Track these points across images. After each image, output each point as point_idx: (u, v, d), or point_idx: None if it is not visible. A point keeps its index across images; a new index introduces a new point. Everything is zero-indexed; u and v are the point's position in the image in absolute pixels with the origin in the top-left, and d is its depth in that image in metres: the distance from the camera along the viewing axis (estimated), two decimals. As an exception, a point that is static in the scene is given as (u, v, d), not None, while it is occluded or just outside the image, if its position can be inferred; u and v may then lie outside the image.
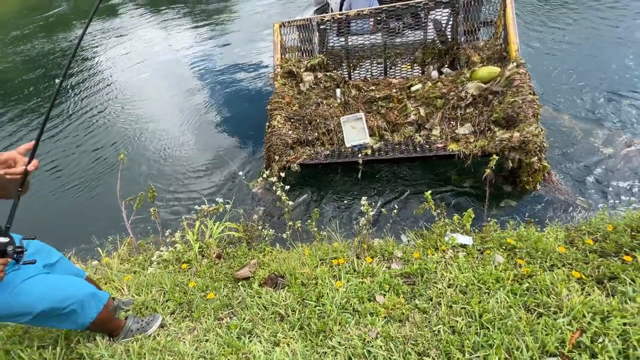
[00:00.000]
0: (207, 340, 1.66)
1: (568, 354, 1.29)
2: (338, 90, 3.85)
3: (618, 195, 2.90)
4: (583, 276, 1.70)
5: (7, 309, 1.22)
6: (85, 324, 1.41)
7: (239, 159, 4.11)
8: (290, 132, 3.40)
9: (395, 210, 2.77)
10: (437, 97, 3.47)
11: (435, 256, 2.03)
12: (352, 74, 4.20)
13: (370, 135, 3.44)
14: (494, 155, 2.35)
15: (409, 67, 4.08)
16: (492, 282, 1.74)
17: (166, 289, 2.07)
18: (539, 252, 1.94)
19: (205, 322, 1.80)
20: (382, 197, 3.26)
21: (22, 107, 6.46)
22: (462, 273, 1.85)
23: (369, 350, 1.48)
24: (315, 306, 1.76)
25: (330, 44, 4.15)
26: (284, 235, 2.63)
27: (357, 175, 3.29)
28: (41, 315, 1.27)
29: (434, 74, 3.82)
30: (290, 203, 2.64)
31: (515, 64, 3.19)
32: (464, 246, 2.15)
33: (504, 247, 2.08)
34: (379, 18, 3.89)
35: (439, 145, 3.17)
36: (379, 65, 4.13)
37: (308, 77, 3.79)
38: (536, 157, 2.77)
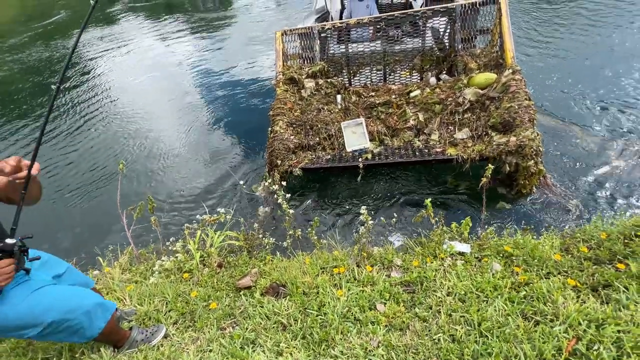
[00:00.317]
0: (210, 351, 1.68)
1: (564, 362, 1.33)
2: (339, 97, 3.93)
3: (610, 197, 2.98)
4: (578, 284, 1.74)
5: (18, 319, 1.24)
6: (94, 335, 1.42)
7: (239, 167, 4.15)
8: (292, 137, 3.47)
9: (394, 219, 2.81)
10: (436, 102, 3.55)
11: (434, 264, 2.07)
12: (352, 80, 4.29)
13: (371, 140, 3.51)
14: (490, 165, 2.40)
15: (408, 73, 4.17)
16: (490, 290, 1.78)
17: (168, 298, 2.09)
18: (536, 260, 1.98)
19: (208, 332, 1.81)
20: (381, 202, 3.31)
21: (19, 113, 6.46)
22: (461, 281, 1.89)
23: (370, 359, 1.50)
24: (317, 315, 1.79)
25: (331, 52, 4.25)
26: (285, 244, 2.66)
27: (357, 179, 3.34)
28: (51, 326, 1.29)
29: (432, 80, 3.91)
30: (291, 211, 2.67)
31: (511, 70, 3.28)
32: (462, 254, 2.19)
33: (501, 255, 2.12)
34: (378, 26, 3.98)
35: (438, 150, 3.24)
36: (378, 72, 4.22)
37: (309, 83, 3.87)
38: (532, 161, 2.84)
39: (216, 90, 6.23)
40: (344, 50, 4.16)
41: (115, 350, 1.67)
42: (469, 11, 3.66)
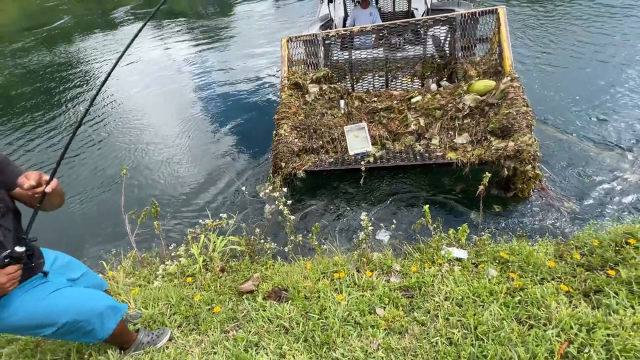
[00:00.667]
0: (215, 353, 1.72)
1: (557, 364, 1.38)
2: (342, 101, 4.04)
3: (604, 204, 3.06)
4: (571, 289, 1.80)
5: (34, 319, 1.30)
6: (105, 336, 1.47)
7: (241, 172, 4.21)
8: (296, 140, 3.57)
9: (393, 225, 2.87)
10: (436, 108, 3.65)
11: (432, 270, 2.13)
12: (355, 86, 4.40)
13: (373, 144, 3.60)
14: (487, 173, 2.47)
15: (409, 80, 4.29)
16: (486, 295, 1.84)
17: (172, 302, 2.13)
18: (530, 266, 2.04)
19: (212, 335, 1.86)
20: (381, 207, 3.37)
21: (19, 117, 6.52)
22: (458, 286, 1.94)
23: (371, 362, 1.55)
24: (318, 319, 1.84)
25: (335, 58, 4.36)
26: (286, 249, 2.71)
27: (360, 182, 3.43)
28: (65, 326, 1.35)
29: (433, 86, 4.02)
30: (292, 217, 2.73)
31: (509, 78, 3.39)
32: (459, 260, 2.25)
33: (497, 261, 2.18)
34: (381, 34, 4.09)
35: (438, 154, 3.34)
36: (380, 78, 4.34)
37: (313, 88, 3.98)
38: (530, 165, 2.93)
39: (218, 96, 6.31)
40: (347, 56, 4.27)
41: (122, 352, 1.71)
42: (469, 20, 3.79)
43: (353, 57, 4.25)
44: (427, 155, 3.35)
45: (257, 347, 1.74)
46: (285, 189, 3.08)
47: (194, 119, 5.71)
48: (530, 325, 1.61)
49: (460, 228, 2.43)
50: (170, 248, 2.86)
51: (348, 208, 3.41)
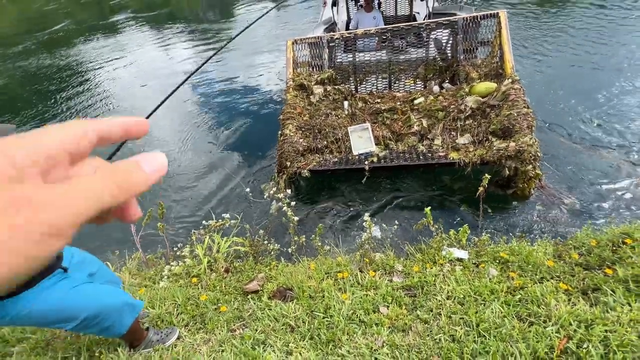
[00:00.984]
0: (223, 351, 1.76)
1: (557, 359, 1.43)
2: (346, 103, 4.11)
3: (603, 204, 3.12)
4: (569, 288, 1.85)
5: (57, 314, 1.35)
6: (122, 332, 1.51)
7: (244, 173, 4.25)
8: (301, 140, 3.63)
9: (395, 226, 2.92)
10: (439, 109, 3.73)
11: (433, 269, 2.17)
12: (358, 87, 4.46)
13: (376, 144, 3.67)
14: (486, 175, 2.53)
15: (412, 82, 4.36)
16: (487, 294, 1.88)
17: (179, 302, 2.17)
18: (530, 266, 2.09)
19: (219, 333, 1.89)
20: (384, 208, 3.43)
21: (21, 121, 6.55)
22: (460, 285, 1.99)
23: (376, 358, 1.59)
24: (323, 317, 1.88)
25: (339, 60, 4.42)
26: (290, 250, 2.75)
27: (362, 181, 3.49)
28: (85, 321, 1.39)
29: (436, 88, 4.10)
30: (296, 218, 2.77)
31: (510, 80, 3.47)
32: (460, 260, 2.30)
33: (497, 261, 2.23)
34: (384, 37, 4.17)
35: (441, 154, 3.40)
36: (383, 80, 4.40)
37: (318, 89, 4.05)
38: (531, 166, 3.00)
39: (219, 98, 6.37)
40: (351, 59, 4.35)
41: (131, 350, 1.74)
42: (471, 24, 3.87)
43: (357, 60, 4.33)
44: (429, 155, 3.41)
45: (264, 344, 1.77)
46: (289, 191, 3.13)
47: (195, 121, 5.76)
48: (531, 322, 1.65)
49: (461, 229, 2.49)
50: (174, 249, 2.89)
51: (351, 208, 3.47)
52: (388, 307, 1.94)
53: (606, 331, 1.48)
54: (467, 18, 3.85)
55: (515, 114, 3.18)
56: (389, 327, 1.78)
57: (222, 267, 2.61)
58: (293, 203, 2.86)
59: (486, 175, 2.56)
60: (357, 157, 3.56)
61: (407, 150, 3.57)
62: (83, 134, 0.26)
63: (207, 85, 7.05)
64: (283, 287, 2.24)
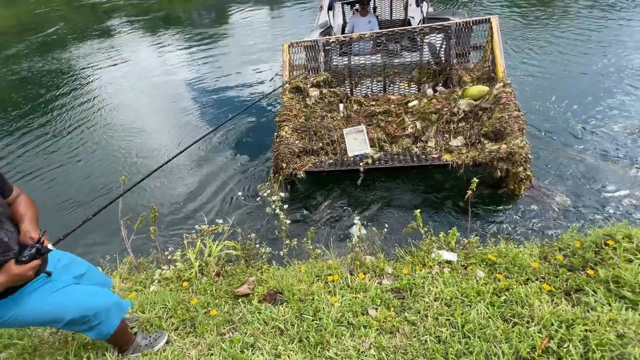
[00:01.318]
0: (211, 355, 1.77)
1: (538, 359, 1.46)
2: (341, 105, 4.16)
3: (589, 205, 3.19)
4: (553, 289, 1.89)
5: (41, 316, 1.37)
6: (110, 332, 1.52)
7: (236, 178, 4.26)
8: (297, 141, 3.67)
9: (385, 229, 2.95)
10: (432, 112, 3.79)
11: (422, 272, 2.20)
12: (354, 90, 4.53)
13: (371, 146, 3.72)
14: (474, 179, 2.58)
15: (407, 85, 4.44)
16: (474, 295, 1.91)
17: (169, 306, 2.17)
18: (516, 267, 2.13)
19: (209, 337, 1.90)
20: (376, 210, 3.46)
21: (13, 125, 6.49)
22: (447, 287, 2.02)
23: (363, 360, 1.61)
24: (312, 320, 1.90)
25: (334, 63, 4.48)
26: (281, 253, 2.77)
27: (357, 182, 3.53)
28: (71, 322, 1.41)
29: (429, 91, 4.17)
30: (288, 222, 2.79)
31: (502, 83, 3.55)
32: (449, 262, 2.33)
33: (485, 263, 2.26)
34: (379, 41, 4.24)
35: (434, 156, 3.46)
36: (378, 83, 4.48)
37: (314, 92, 4.11)
38: (522, 167, 3.07)
39: (213, 103, 6.38)
40: (346, 62, 4.40)
41: (120, 354, 1.74)
42: (464, 29, 3.96)
43: (352, 63, 4.39)
44: (423, 157, 3.47)
45: (252, 348, 1.78)
46: (282, 194, 3.15)
47: (189, 125, 5.77)
48: (515, 322, 1.69)
49: (450, 231, 2.52)
50: (166, 253, 2.89)
51: (344, 210, 3.50)
52: (377, 309, 1.96)
53: (586, 331, 1.51)
54: (460, 23, 3.94)
55: (507, 117, 3.26)
56: (377, 329, 1.80)
57: (214, 271, 2.61)
58: (286, 206, 2.88)
59: (474, 179, 2.61)
60: (352, 158, 3.61)
61: (401, 152, 3.63)
62: None
63: (201, 89, 7.06)
64: (273, 290, 2.26)
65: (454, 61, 4.06)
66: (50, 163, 5.18)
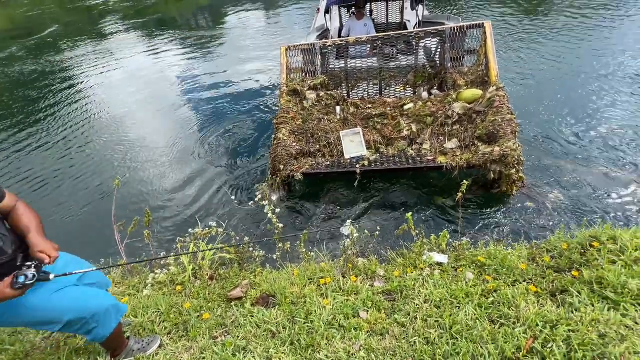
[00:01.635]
0: (204, 358, 1.78)
1: (523, 359, 1.50)
2: (338, 108, 4.22)
3: (579, 206, 3.25)
4: (539, 290, 1.93)
5: (40, 316, 1.38)
6: (106, 334, 1.53)
7: (230, 181, 4.28)
8: (294, 144, 3.72)
9: (378, 231, 2.98)
10: (427, 115, 3.86)
11: (413, 274, 2.23)
12: (350, 93, 4.59)
13: (367, 148, 3.78)
14: (465, 181, 2.63)
15: (402, 88, 4.51)
16: (463, 297, 1.95)
17: (162, 310, 2.18)
18: (505, 269, 2.17)
19: (201, 341, 1.91)
20: (369, 212, 3.50)
21: (5, 126, 6.45)
22: (437, 289, 2.05)
23: (353, 362, 1.64)
24: (304, 323, 1.92)
25: (331, 66, 4.54)
26: (274, 256, 2.79)
27: (353, 184, 3.58)
28: (69, 323, 1.42)
29: (424, 94, 4.24)
30: (281, 225, 2.81)
31: (495, 87, 3.63)
32: (440, 264, 2.37)
33: (475, 265, 2.30)
34: (375, 44, 4.30)
35: (429, 158, 3.53)
36: (375, 86, 4.55)
37: (311, 95, 4.16)
38: (514, 169, 3.15)
39: (208, 106, 6.39)
40: (343, 65, 4.45)
41: (112, 359, 1.75)
42: (458, 34, 4.04)
43: (349, 66, 4.44)
44: (418, 159, 3.54)
45: (244, 351, 1.80)
46: (280, 194, 3.17)
47: (183, 128, 5.77)
48: (501, 323, 1.72)
49: (441, 234, 2.56)
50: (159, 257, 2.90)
51: (338, 212, 3.54)
52: (368, 311, 1.99)
53: (570, 331, 1.55)
54: (454, 28, 4.02)
55: (500, 120, 3.34)
56: (368, 332, 1.83)
57: (207, 274, 2.62)
58: (278, 210, 2.90)
59: (465, 181, 2.65)
60: (348, 160, 3.65)
61: (397, 154, 3.70)
62: None
63: (196, 91, 7.07)
64: (266, 293, 2.28)
65: (449, 65, 4.13)
66: (43, 166, 5.16)
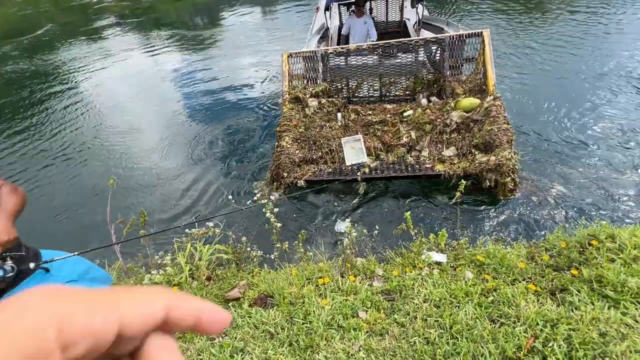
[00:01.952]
0: (201, 360, 1.76)
1: (524, 358, 1.48)
2: (339, 114, 4.24)
3: (576, 204, 3.26)
4: (539, 289, 1.92)
5: None
6: None
7: (228, 181, 4.25)
8: (297, 151, 3.76)
9: (376, 231, 2.97)
10: (426, 122, 3.90)
11: (412, 273, 2.22)
12: (351, 99, 4.59)
13: (368, 155, 3.81)
14: (462, 181, 2.64)
15: (402, 93, 4.52)
16: (462, 296, 1.94)
17: (158, 311, 2.15)
18: (504, 268, 2.17)
19: (198, 342, 1.89)
20: (369, 213, 3.50)
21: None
22: (436, 288, 2.04)
23: (352, 363, 1.62)
24: (303, 323, 1.90)
25: (332, 64, 4.54)
26: (272, 256, 2.76)
27: (354, 187, 3.67)
28: None
29: (424, 101, 4.27)
30: (279, 225, 2.79)
31: (492, 97, 3.69)
32: (439, 263, 2.35)
33: (474, 264, 2.29)
34: (375, 51, 4.34)
35: (428, 166, 3.60)
36: (375, 93, 4.57)
37: (313, 102, 4.19)
38: (509, 178, 3.20)
39: (205, 106, 6.35)
40: (343, 62, 4.46)
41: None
42: (457, 42, 4.08)
43: (349, 62, 4.46)
44: (417, 167, 3.62)
45: (242, 352, 1.78)
46: (278, 194, 3.16)
47: (180, 128, 5.73)
48: (501, 323, 1.71)
49: (440, 233, 2.55)
50: (156, 257, 2.86)
51: (336, 212, 3.54)
52: (367, 311, 1.97)
53: (570, 330, 1.54)
54: (453, 36, 4.08)
55: (496, 130, 3.41)
56: (367, 332, 1.81)
57: (204, 275, 2.59)
58: (277, 209, 2.87)
59: (463, 181, 2.65)
60: (349, 167, 3.69)
61: (396, 161, 3.77)
62: (154, 316, 0.20)
63: (192, 91, 7.03)
64: (264, 294, 2.25)
65: (448, 73, 4.17)
66: (37, 165, 5.10)
